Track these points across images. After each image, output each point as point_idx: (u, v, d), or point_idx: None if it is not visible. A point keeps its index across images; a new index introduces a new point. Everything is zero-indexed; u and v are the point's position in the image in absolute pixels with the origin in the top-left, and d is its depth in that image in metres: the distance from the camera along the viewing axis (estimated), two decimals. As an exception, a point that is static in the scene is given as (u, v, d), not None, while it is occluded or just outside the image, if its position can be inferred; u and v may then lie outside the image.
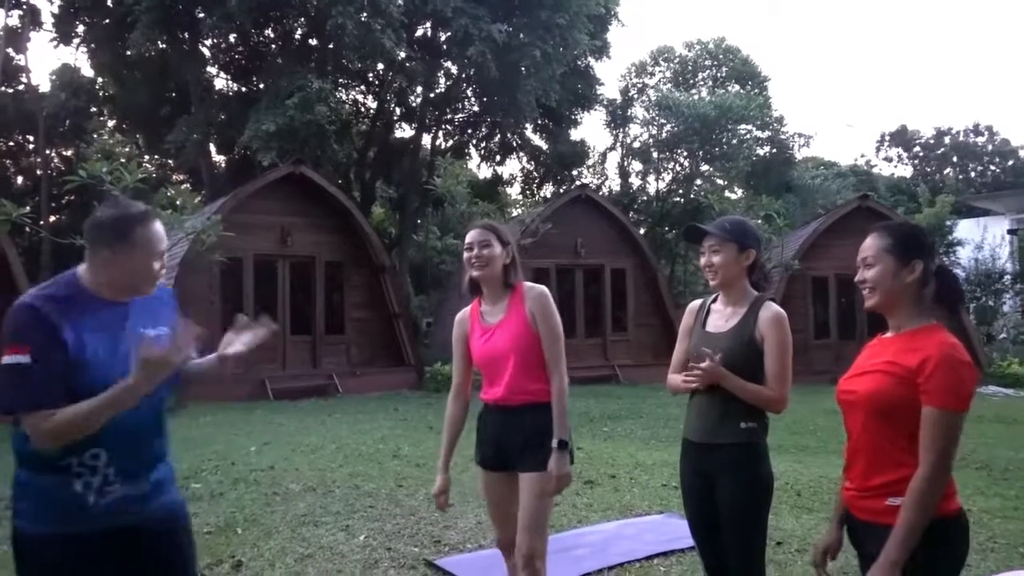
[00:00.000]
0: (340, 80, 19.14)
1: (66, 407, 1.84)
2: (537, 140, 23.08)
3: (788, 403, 2.59)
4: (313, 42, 18.71)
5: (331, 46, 17.18)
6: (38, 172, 22.08)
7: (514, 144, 22.48)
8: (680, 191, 23.16)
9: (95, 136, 24.12)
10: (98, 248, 1.97)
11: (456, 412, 2.97)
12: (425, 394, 12.68)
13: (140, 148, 23.60)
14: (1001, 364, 14.86)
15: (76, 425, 1.85)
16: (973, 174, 42.63)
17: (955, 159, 43.52)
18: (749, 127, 23.00)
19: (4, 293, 8.94)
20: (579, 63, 20.52)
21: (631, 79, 26.25)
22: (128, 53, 18.02)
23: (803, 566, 3.94)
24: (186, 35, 18.02)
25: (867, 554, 2.03)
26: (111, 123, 24.47)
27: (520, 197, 27.93)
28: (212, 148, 20.52)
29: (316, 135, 15.48)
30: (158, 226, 2.04)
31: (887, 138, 45.34)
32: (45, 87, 22.71)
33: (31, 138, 22.98)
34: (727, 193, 23.73)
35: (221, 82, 21.19)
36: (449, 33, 17.31)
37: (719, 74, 26.95)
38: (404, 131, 21.95)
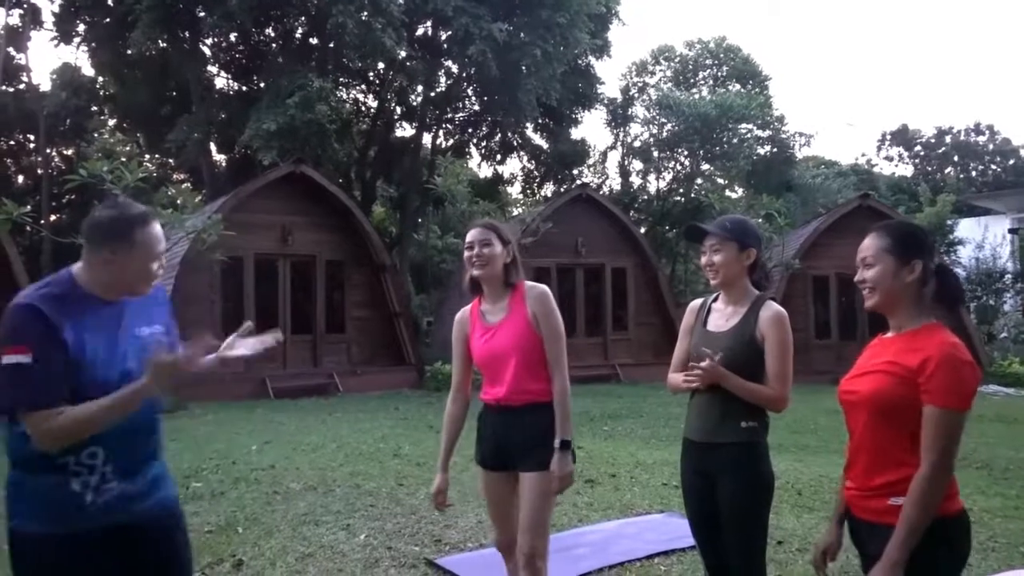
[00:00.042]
0: (341, 79, 19.13)
1: (71, 407, 1.84)
2: (538, 139, 23.09)
3: (789, 402, 2.59)
4: (314, 41, 18.70)
5: (332, 45, 17.17)
6: (39, 171, 22.08)
7: (515, 143, 22.47)
8: (681, 190, 23.13)
9: (96, 135, 24.11)
10: (98, 248, 1.98)
11: (456, 411, 2.96)
12: (425, 393, 12.68)
13: (141, 147, 23.59)
14: (1002, 363, 14.86)
15: (83, 425, 1.86)
16: (974, 173, 42.60)
17: (956, 158, 43.46)
18: (750, 126, 22.98)
19: (5, 292, 8.94)
20: (580, 62, 20.50)
21: (632, 78, 26.25)
22: (129, 52, 18.01)
23: (804, 565, 3.93)
24: (187, 34, 18.02)
25: (869, 554, 2.02)
26: (112, 122, 24.46)
27: (521, 196, 27.99)
28: (213, 147, 20.52)
29: (317, 134, 15.49)
30: (157, 227, 2.05)
31: (888, 137, 45.32)
32: (46, 86, 22.79)
33: (32, 137, 23.02)
34: (728, 192, 23.78)
35: (222, 81, 21.26)
36: (450, 32, 17.30)
37: (720, 73, 26.93)
38: (405, 130, 22.02)
